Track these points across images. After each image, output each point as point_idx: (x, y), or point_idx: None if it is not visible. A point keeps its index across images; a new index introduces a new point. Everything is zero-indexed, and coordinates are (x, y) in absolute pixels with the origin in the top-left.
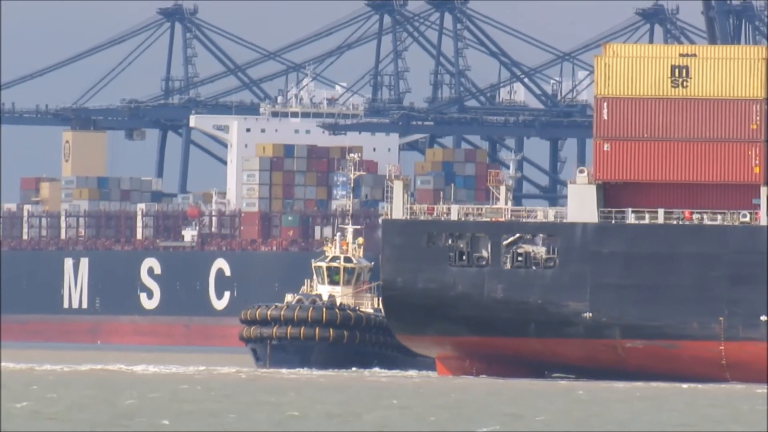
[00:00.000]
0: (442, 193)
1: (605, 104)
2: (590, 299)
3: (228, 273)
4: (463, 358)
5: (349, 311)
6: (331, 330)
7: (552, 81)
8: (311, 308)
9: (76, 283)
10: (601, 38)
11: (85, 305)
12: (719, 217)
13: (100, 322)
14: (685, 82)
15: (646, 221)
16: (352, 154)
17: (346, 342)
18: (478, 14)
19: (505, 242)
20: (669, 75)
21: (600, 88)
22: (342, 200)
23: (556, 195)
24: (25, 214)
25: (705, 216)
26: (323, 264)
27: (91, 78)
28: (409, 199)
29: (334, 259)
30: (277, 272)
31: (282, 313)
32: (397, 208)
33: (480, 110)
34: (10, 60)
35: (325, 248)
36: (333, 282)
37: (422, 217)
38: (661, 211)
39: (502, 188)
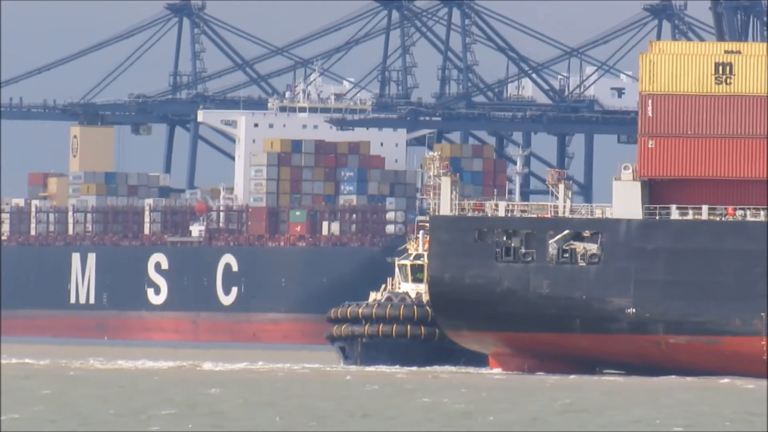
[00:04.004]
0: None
1: (650, 101)
2: (634, 295)
3: (235, 268)
4: (514, 354)
5: None
6: (422, 327)
7: (560, 76)
8: (402, 306)
9: (83, 279)
10: (609, 34)
11: (92, 301)
12: (762, 213)
13: (108, 317)
14: (728, 79)
15: (690, 218)
16: (431, 153)
17: (437, 339)
18: (486, 10)
19: (553, 239)
20: (713, 72)
21: (645, 84)
22: (350, 196)
23: None
24: (33, 209)
25: (748, 212)
26: (407, 262)
27: (99, 73)
28: (457, 195)
29: (418, 257)
30: (285, 268)
31: (374, 311)
32: (444, 204)
33: (487, 106)
34: (17, 54)
35: (408, 246)
36: (417, 280)
37: (470, 214)
38: (705, 208)
39: (561, 186)
